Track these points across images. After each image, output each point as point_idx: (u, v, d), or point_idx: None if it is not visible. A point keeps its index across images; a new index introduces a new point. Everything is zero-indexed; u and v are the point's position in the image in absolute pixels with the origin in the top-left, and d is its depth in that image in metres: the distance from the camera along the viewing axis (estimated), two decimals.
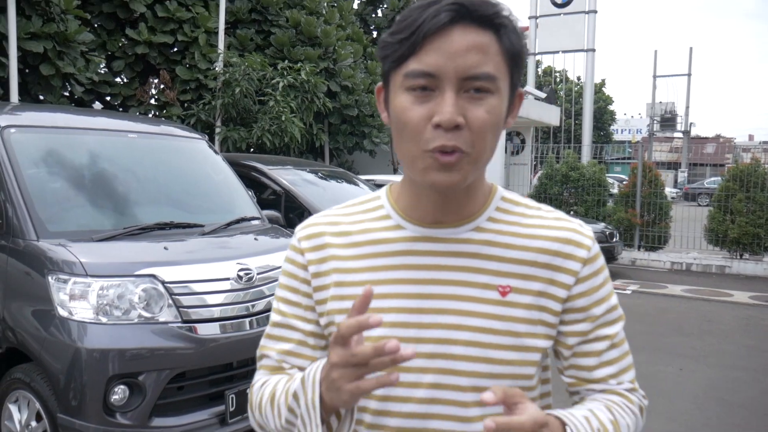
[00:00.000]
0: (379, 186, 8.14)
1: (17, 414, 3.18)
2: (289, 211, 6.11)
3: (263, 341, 1.09)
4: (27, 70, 7.98)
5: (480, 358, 0.95)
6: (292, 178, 6.49)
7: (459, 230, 0.99)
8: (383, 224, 1.03)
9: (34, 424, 3.11)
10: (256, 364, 1.11)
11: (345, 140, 11.89)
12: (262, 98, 9.81)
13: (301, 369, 1.03)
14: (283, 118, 9.45)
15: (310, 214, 6.03)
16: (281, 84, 9.72)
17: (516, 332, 0.96)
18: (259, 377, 1.07)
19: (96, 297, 2.99)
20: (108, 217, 3.64)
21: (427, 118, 0.88)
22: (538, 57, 22.56)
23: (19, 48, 7.29)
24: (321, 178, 7.05)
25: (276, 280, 3.71)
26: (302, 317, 1.05)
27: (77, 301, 2.99)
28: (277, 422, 0.99)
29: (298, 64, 10.24)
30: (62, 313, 2.97)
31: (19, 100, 7.29)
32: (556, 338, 1.02)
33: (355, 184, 7.41)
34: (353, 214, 1.06)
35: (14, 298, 3.16)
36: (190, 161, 4.48)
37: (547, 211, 1.05)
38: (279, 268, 3.77)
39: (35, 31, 7.68)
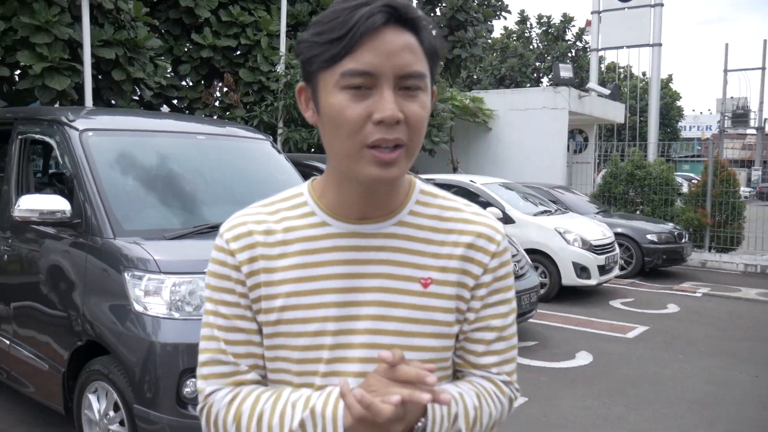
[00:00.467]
0: (440, 186, 8.14)
1: (96, 404, 3.33)
2: None
3: (207, 344, 1.05)
4: (99, 76, 8.33)
5: (406, 346, 0.99)
6: None
7: (383, 225, 1.03)
8: (308, 221, 1.04)
9: (111, 413, 3.25)
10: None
11: None
12: None
13: (256, 366, 1.05)
14: None
15: None
16: None
17: (437, 321, 1.02)
18: (215, 388, 1.04)
19: (169, 293, 3.09)
20: (178, 216, 3.76)
21: (365, 116, 0.90)
22: (601, 53, 22.00)
23: (92, 55, 7.62)
24: None
25: None
26: (243, 316, 1.04)
27: (151, 297, 3.10)
28: None
29: None
30: (137, 308, 3.09)
31: (92, 104, 7.62)
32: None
33: None
34: (277, 212, 1.06)
35: (93, 294, 3.30)
36: (254, 161, 4.58)
37: (464, 204, 1.09)
38: None
39: (107, 39, 8.01)
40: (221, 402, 1.02)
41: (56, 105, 8.10)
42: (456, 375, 1.12)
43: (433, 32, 0.96)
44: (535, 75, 33.22)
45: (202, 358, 1.06)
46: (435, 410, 0.96)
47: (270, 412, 0.97)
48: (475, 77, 32.72)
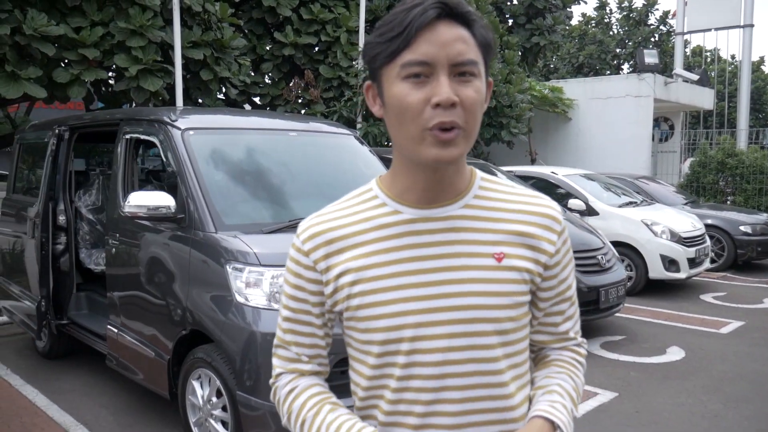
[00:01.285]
0: (520, 177, 7.99)
1: (200, 390, 3.51)
2: None
3: (278, 332, 1.21)
4: (188, 76, 8.67)
5: (488, 318, 1.08)
6: None
7: (451, 208, 1.10)
8: (381, 211, 1.12)
9: (214, 399, 3.42)
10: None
11: (482, 132, 11.80)
12: None
13: (315, 357, 1.19)
14: None
15: None
16: None
17: (513, 292, 1.10)
18: (281, 370, 1.20)
19: (268, 285, 3.22)
20: (272, 210, 3.89)
21: (425, 101, 0.99)
22: (687, 36, 21.03)
23: (182, 56, 7.95)
24: None
25: None
26: (310, 312, 1.16)
27: (252, 289, 3.24)
28: None
29: None
30: (239, 299, 3.24)
31: (182, 104, 7.95)
32: (531, 301, 1.17)
33: (495, 175, 7.34)
34: (350, 207, 1.15)
35: (196, 285, 3.48)
36: (342, 156, 4.67)
37: (521, 188, 1.19)
38: None
39: (196, 40, 8.32)
40: (282, 390, 1.18)
41: (150, 105, 8.52)
42: (532, 351, 1.25)
43: (483, 25, 1.05)
44: (615, 62, 32.10)
45: (275, 341, 1.21)
46: (561, 419, 1.10)
47: (310, 423, 1.11)
48: (552, 66, 31.95)
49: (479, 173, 1.17)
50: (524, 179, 8.29)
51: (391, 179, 1.14)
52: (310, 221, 1.15)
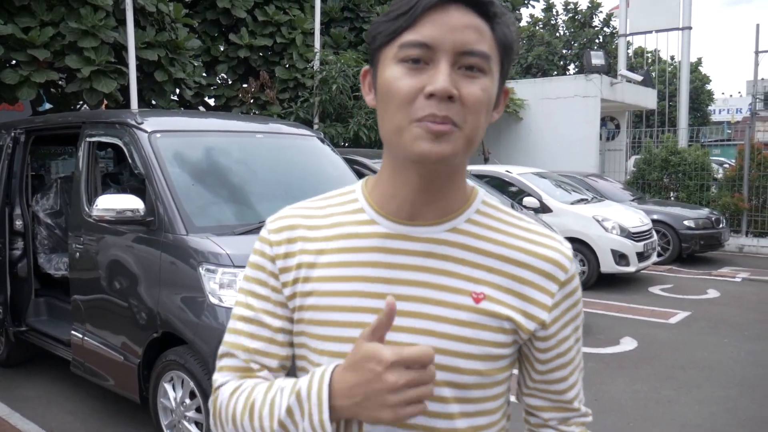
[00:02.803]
0: (475, 176, 8.15)
1: (172, 392, 3.51)
2: None
3: (228, 337, 0.99)
4: (141, 77, 8.55)
5: (450, 367, 0.90)
6: None
7: (435, 229, 0.94)
8: (356, 218, 0.97)
9: (188, 401, 3.43)
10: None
11: None
12: (357, 94, 10.06)
13: (269, 368, 0.97)
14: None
15: None
16: None
17: (487, 341, 0.91)
18: (225, 380, 0.97)
19: None
20: (242, 212, 3.92)
21: (418, 89, 0.84)
22: (629, 38, 21.76)
23: (135, 57, 7.83)
24: None
25: None
26: (271, 312, 0.98)
27: (225, 290, 3.26)
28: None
29: None
30: (212, 300, 3.26)
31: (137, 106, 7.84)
32: (523, 359, 1.01)
33: None
34: (326, 207, 1.01)
35: (167, 287, 3.48)
36: (309, 158, 4.71)
37: (528, 222, 1.00)
38: None
39: (150, 41, 8.21)
40: (224, 394, 0.95)
41: (102, 107, 8.35)
42: (529, 415, 1.06)
43: (508, 23, 0.90)
44: (561, 63, 32.93)
45: (221, 349, 1.00)
46: None
47: (261, 400, 0.89)
48: None
49: (482, 194, 1.00)
50: (479, 177, 8.49)
51: (375, 182, 0.99)
52: (282, 212, 1.02)
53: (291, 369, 1.01)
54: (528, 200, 8.30)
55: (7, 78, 7.17)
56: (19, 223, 4.89)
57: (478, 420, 0.94)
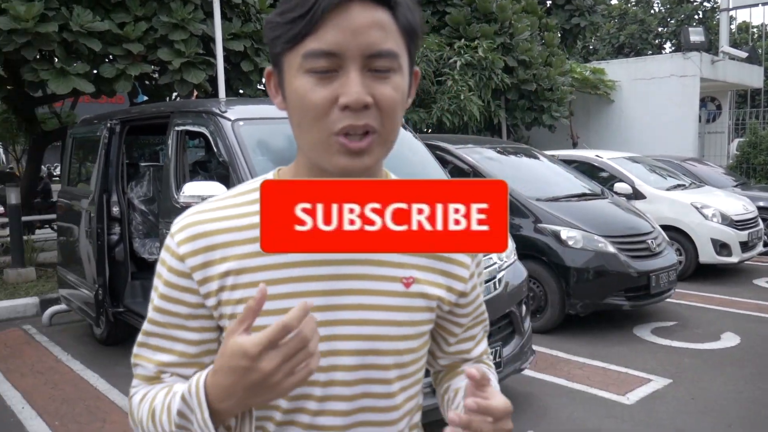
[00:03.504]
0: (564, 162, 7.88)
1: None
2: None
3: (137, 350, 0.97)
4: (229, 68, 8.77)
5: (389, 351, 0.93)
6: (477, 156, 6.52)
7: None
8: None
9: None
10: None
11: (523, 116, 11.67)
12: (440, 78, 9.93)
13: (185, 377, 0.94)
14: (461, 97, 9.50)
15: None
16: (459, 63, 9.76)
17: (419, 321, 0.96)
18: (137, 389, 0.96)
19: None
20: None
21: (331, 100, 0.82)
22: (732, 12, 20.36)
23: (223, 48, 8.04)
24: (503, 154, 7.00)
25: None
26: (183, 326, 0.94)
27: None
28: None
29: (475, 42, 10.20)
30: None
31: (225, 95, 8.06)
32: (437, 329, 1.05)
33: (538, 159, 7.27)
34: (241, 206, 0.94)
35: None
36: None
37: None
38: None
39: (236, 32, 8.40)
40: (134, 402, 0.94)
41: (193, 97, 8.64)
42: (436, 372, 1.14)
43: (410, 6, 0.88)
44: (657, 41, 31.30)
45: (132, 358, 0.98)
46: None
47: (160, 407, 0.88)
48: (591, 47, 31.33)
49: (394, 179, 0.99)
50: (567, 163, 8.18)
51: (291, 177, 0.96)
52: (188, 218, 0.94)
53: None
54: (619, 186, 7.93)
55: (105, 72, 7.51)
56: (116, 210, 5.12)
57: (411, 390, 0.99)
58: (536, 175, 6.84)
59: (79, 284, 5.41)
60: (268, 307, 0.86)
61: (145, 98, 10.16)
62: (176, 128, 4.32)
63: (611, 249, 5.63)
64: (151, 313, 0.96)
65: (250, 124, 3.99)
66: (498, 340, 3.77)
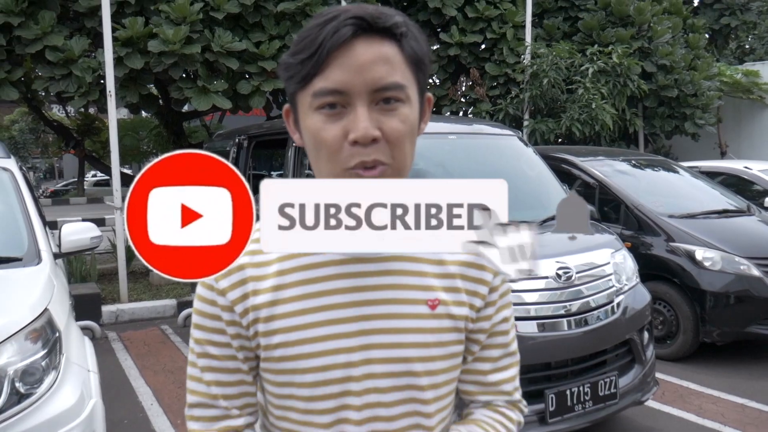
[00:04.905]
0: (706, 174, 7.28)
1: None
2: (603, 205, 5.83)
3: (196, 387, 0.99)
4: None
5: (421, 372, 0.96)
6: (606, 169, 6.18)
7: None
8: None
9: None
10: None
11: (662, 124, 10.93)
12: (571, 87, 9.56)
13: (246, 407, 1.00)
14: (593, 106, 9.09)
15: (626, 207, 5.70)
16: (591, 70, 9.35)
17: (447, 342, 0.98)
18: (204, 429, 0.99)
19: None
20: None
21: (342, 136, 0.87)
22: None
23: None
24: (637, 167, 6.59)
25: (595, 280, 3.57)
26: (235, 357, 0.98)
27: None
28: None
29: (609, 47, 9.72)
30: None
31: None
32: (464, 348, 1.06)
33: (676, 172, 6.76)
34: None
35: None
36: (505, 158, 4.56)
37: None
38: (599, 266, 3.62)
39: None
40: None
41: None
42: (458, 405, 1.10)
43: (416, 36, 0.91)
44: None
45: (191, 399, 1.00)
46: None
47: None
48: (747, 47, 28.78)
49: None
50: (711, 176, 7.54)
51: None
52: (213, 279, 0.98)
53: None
54: None
55: (241, 88, 8.00)
56: None
57: (444, 413, 1.03)
58: (672, 189, 6.37)
59: None
60: (307, 335, 0.94)
61: (280, 112, 10.71)
62: (294, 144, 4.49)
63: (756, 272, 5.09)
64: (201, 349, 1.00)
65: None
66: (614, 369, 3.53)
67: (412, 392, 0.97)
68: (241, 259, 0.93)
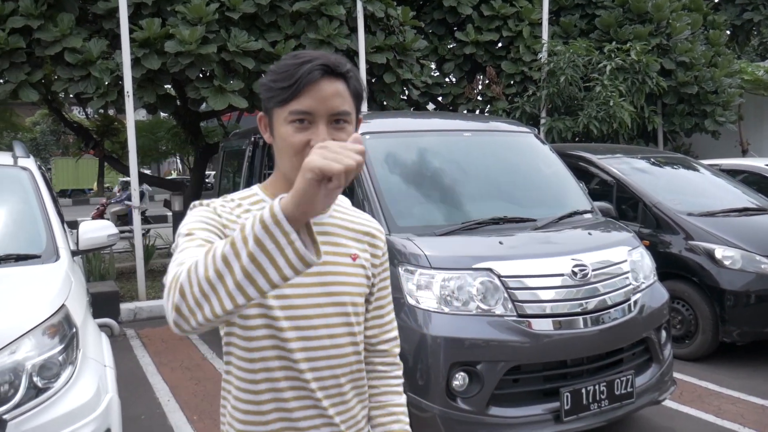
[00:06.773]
0: (728, 172, 7.16)
1: None
2: (621, 203, 5.78)
3: (187, 251, 1.17)
4: (372, 80, 9.00)
5: (348, 302, 1.38)
6: (623, 167, 6.13)
7: (323, 217, 1.37)
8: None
9: None
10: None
11: (682, 122, 10.79)
12: (588, 84, 9.47)
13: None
14: (611, 103, 8.99)
15: (644, 205, 5.64)
16: (608, 67, 9.25)
17: (362, 284, 1.42)
18: (187, 259, 1.13)
19: (439, 288, 3.21)
20: (446, 212, 3.88)
21: (305, 143, 1.23)
22: None
23: (366, 61, 8.27)
24: (655, 165, 6.52)
25: (612, 278, 3.53)
26: (221, 235, 1.27)
27: (423, 291, 3.25)
28: (210, 269, 1.03)
29: (627, 45, 9.62)
30: (410, 301, 3.26)
31: (367, 107, 8.27)
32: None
33: (695, 170, 6.67)
34: (239, 206, 1.35)
35: None
36: (520, 155, 4.53)
37: (351, 207, 1.49)
38: (615, 264, 3.58)
39: (379, 45, 8.60)
40: (197, 261, 1.08)
41: None
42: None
43: (358, 78, 1.31)
44: None
45: (178, 261, 1.14)
46: None
47: (222, 244, 1.04)
48: None
49: None
50: (733, 173, 7.43)
51: (273, 189, 1.37)
52: (207, 201, 1.34)
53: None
54: None
55: (257, 88, 8.02)
56: None
57: (357, 337, 1.42)
58: (691, 187, 6.30)
59: None
60: None
61: None
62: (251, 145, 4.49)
63: None
64: (193, 228, 1.24)
65: (377, 137, 4.05)
66: (631, 368, 3.49)
67: (343, 308, 1.37)
68: (219, 210, 1.32)
